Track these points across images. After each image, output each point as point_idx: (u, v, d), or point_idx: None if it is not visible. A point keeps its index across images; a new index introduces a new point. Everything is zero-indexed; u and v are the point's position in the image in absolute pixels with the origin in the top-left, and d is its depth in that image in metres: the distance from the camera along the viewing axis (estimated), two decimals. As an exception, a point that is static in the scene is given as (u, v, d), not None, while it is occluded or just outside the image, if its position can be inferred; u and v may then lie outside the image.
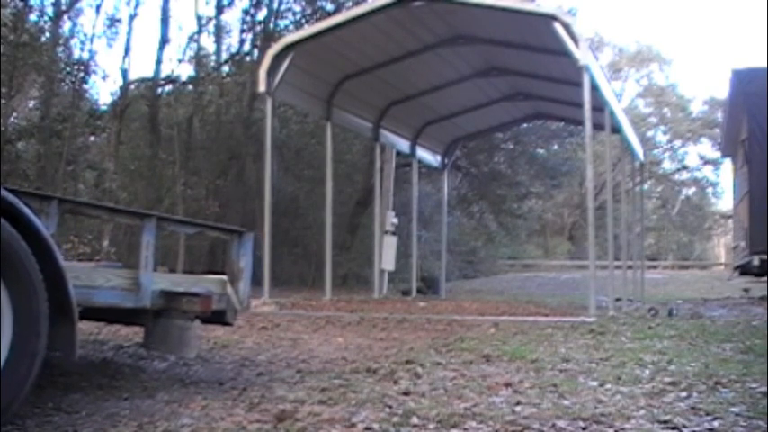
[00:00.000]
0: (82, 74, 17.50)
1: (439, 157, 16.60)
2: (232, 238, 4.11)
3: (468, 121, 15.96)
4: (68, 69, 17.56)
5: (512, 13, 10.12)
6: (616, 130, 11.87)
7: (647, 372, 4.32)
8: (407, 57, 12.24)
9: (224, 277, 3.99)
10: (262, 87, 11.05)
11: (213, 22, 20.51)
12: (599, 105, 10.25)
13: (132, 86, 19.67)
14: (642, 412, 3.19)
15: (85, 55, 17.81)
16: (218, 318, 3.94)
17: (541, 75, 13.00)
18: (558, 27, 9.19)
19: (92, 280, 3.39)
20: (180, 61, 20.42)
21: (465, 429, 2.93)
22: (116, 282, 3.49)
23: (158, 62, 19.35)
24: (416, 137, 15.43)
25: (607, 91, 10.79)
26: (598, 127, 11.16)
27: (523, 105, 15.48)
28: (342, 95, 12.66)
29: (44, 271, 2.74)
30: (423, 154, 15.92)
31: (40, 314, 2.70)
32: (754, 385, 3.81)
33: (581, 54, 9.12)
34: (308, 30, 12.01)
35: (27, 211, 2.74)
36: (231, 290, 3.95)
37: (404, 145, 15.43)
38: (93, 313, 3.81)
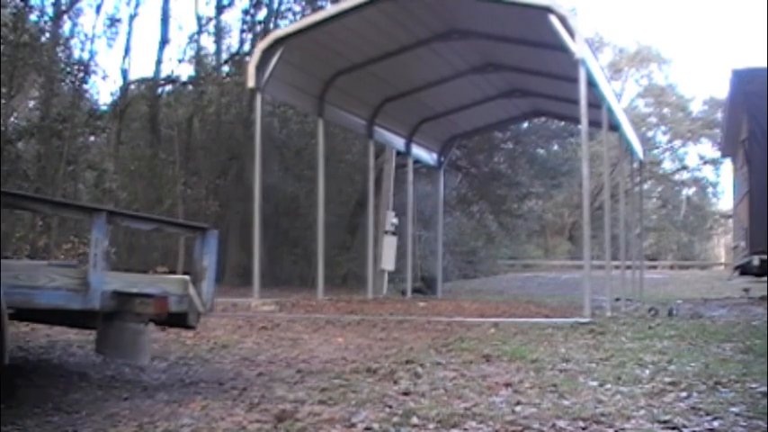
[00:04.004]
0: (82, 74, 17.50)
1: (435, 155, 16.43)
2: (195, 236, 3.89)
3: (464, 119, 15.75)
4: (68, 69, 17.55)
5: (506, 6, 9.93)
6: (614, 127, 11.76)
7: (647, 372, 4.32)
8: (401, 52, 11.96)
9: (186, 277, 3.76)
10: (251, 83, 10.77)
11: (213, 22, 20.53)
12: (597, 102, 10.14)
13: (132, 86, 19.67)
14: (642, 412, 3.19)
15: (85, 55, 17.84)
16: (178, 321, 3.70)
17: (538, 71, 12.80)
18: (553, 20, 8.96)
19: (33, 280, 3.16)
20: (180, 61, 20.44)
21: (465, 429, 2.93)
22: (61, 282, 3.25)
23: (158, 62, 19.39)
24: (412, 134, 15.19)
25: (605, 87, 10.63)
26: (596, 124, 11.02)
27: (521, 102, 15.30)
28: (334, 92, 12.35)
29: None
30: (418, 152, 15.70)
31: None
32: (754, 385, 3.81)
33: (577, 47, 8.90)
34: (298, 24, 11.68)
35: None
36: (194, 291, 3.71)
37: (399, 143, 15.22)
38: (37, 315, 3.60)
